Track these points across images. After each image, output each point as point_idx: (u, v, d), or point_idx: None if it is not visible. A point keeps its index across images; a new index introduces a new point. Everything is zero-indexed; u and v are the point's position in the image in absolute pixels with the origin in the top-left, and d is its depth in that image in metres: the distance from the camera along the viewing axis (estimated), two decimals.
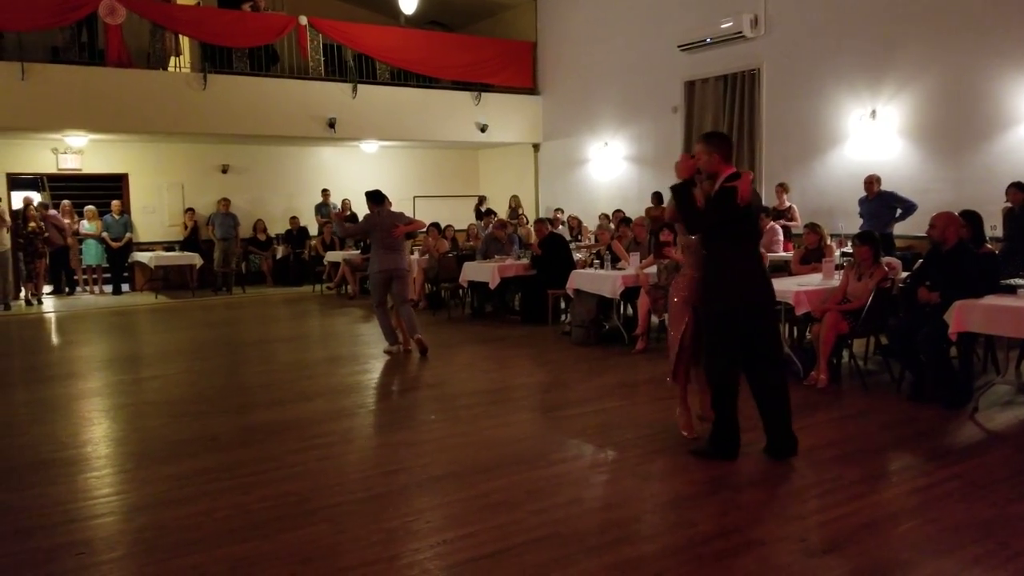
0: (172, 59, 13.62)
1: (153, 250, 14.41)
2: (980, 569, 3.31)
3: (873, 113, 10.49)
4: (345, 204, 15.26)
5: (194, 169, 15.45)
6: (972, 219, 6.38)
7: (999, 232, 8.48)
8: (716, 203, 4.45)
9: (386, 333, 8.33)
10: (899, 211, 9.43)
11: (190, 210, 15.03)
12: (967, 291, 5.59)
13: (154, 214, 15.16)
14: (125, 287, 14.67)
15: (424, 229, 11.35)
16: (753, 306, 4.54)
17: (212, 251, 14.59)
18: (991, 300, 5.51)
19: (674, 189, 4.60)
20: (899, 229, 9.49)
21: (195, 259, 14.03)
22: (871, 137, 10.51)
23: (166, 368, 8.23)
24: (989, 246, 7.11)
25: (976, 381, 6.06)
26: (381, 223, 8.16)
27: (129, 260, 14.54)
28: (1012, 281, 5.84)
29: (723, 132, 4.68)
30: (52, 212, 13.43)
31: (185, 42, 13.88)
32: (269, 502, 4.20)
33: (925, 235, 6.17)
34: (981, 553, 3.43)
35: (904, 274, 6.83)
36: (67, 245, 13.63)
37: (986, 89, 9.36)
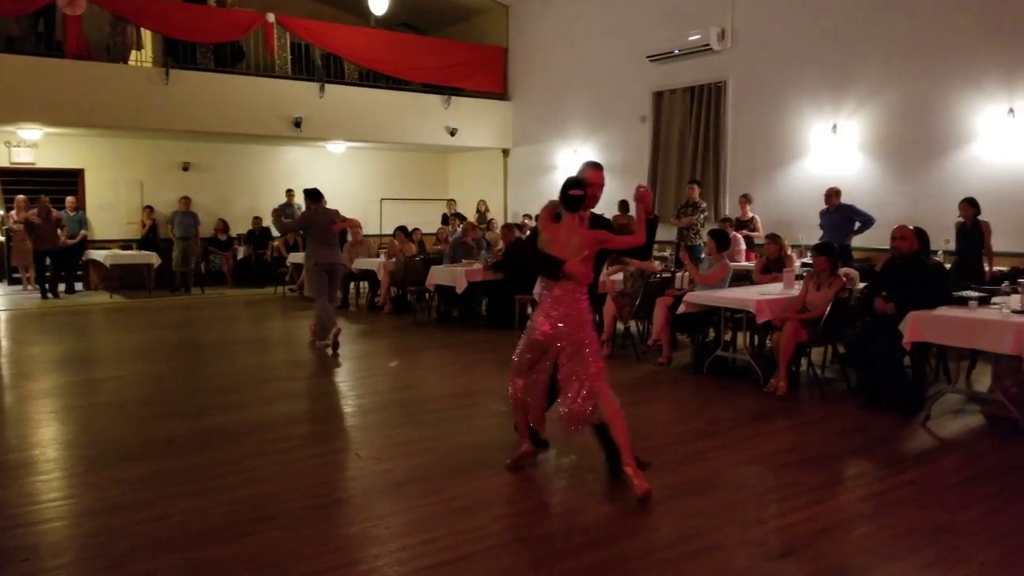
0: (133, 53, 13.36)
1: (109, 248, 14.12)
2: (931, 573, 3.39)
3: (834, 127, 10.69)
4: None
5: (154, 166, 15.19)
6: (920, 235, 6.53)
7: (952, 246, 8.68)
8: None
9: (328, 326, 8.46)
10: (857, 224, 9.61)
11: (148, 208, 14.78)
12: (921, 302, 5.73)
13: (111, 211, 14.85)
14: (79, 286, 14.36)
15: (359, 228, 11.89)
16: None
17: (171, 250, 14.34)
18: (944, 311, 5.66)
19: (652, 223, 4.59)
20: (857, 241, 9.68)
21: (152, 258, 13.75)
22: (832, 151, 10.71)
23: (120, 369, 8.07)
24: (937, 259, 7.28)
25: (928, 390, 6.20)
26: (318, 220, 8.47)
27: (84, 258, 14.23)
28: (963, 293, 5.98)
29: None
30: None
31: (147, 35, 13.66)
32: (225, 507, 4.13)
33: (888, 247, 6.29)
34: (933, 557, 3.51)
35: (861, 285, 6.96)
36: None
37: (942, 108, 9.60)
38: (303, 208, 14.80)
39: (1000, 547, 3.60)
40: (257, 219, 15.53)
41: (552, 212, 4.49)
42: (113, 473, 4.70)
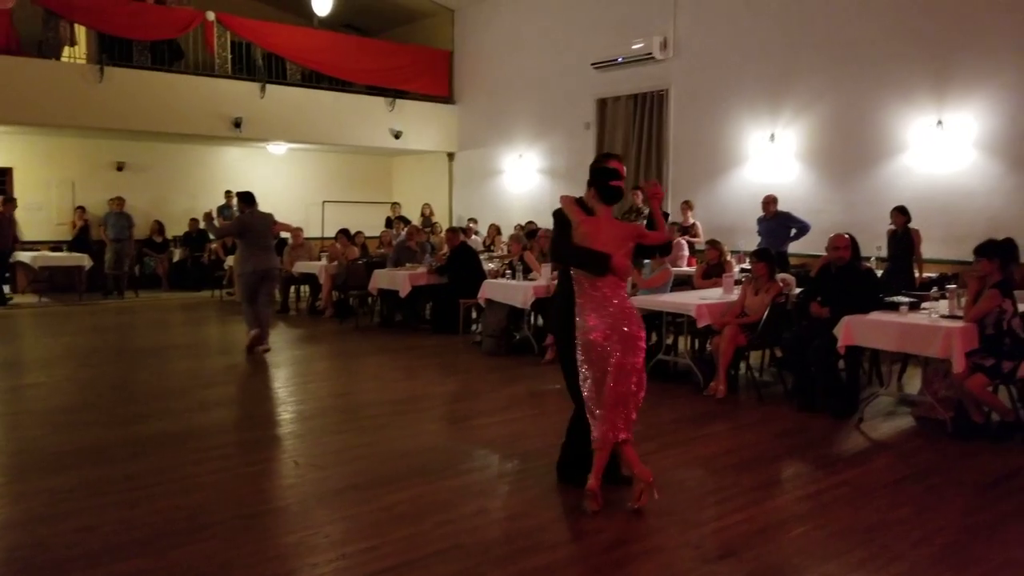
0: (66, 49, 12.97)
1: (38, 250, 13.64)
2: (864, 572, 3.47)
3: (772, 136, 10.92)
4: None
5: (87, 165, 14.75)
6: (852, 242, 6.69)
7: (884, 253, 8.94)
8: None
9: (253, 327, 8.46)
10: (794, 231, 9.82)
11: (80, 208, 14.33)
12: (855, 307, 5.89)
13: (41, 211, 14.36)
14: (5, 288, 13.80)
15: (300, 232, 12.12)
16: None
17: (103, 252, 13.91)
18: (876, 316, 5.83)
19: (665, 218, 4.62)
20: (793, 248, 9.89)
21: (83, 260, 13.29)
22: (770, 159, 10.95)
23: (48, 375, 7.79)
24: (869, 265, 7.48)
25: (862, 392, 6.36)
26: (254, 224, 8.44)
27: (11, 259, 13.70)
28: (895, 299, 6.16)
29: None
30: None
31: (81, 32, 13.26)
32: (158, 517, 4.02)
33: (830, 256, 6.43)
34: (865, 556, 3.59)
35: (798, 290, 7.11)
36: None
37: (875, 119, 9.89)
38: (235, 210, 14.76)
39: (929, 545, 3.70)
40: (194, 221, 15.15)
41: (573, 204, 4.27)
42: (40, 483, 4.54)
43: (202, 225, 14.80)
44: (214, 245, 14.68)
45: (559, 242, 4.28)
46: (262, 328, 8.44)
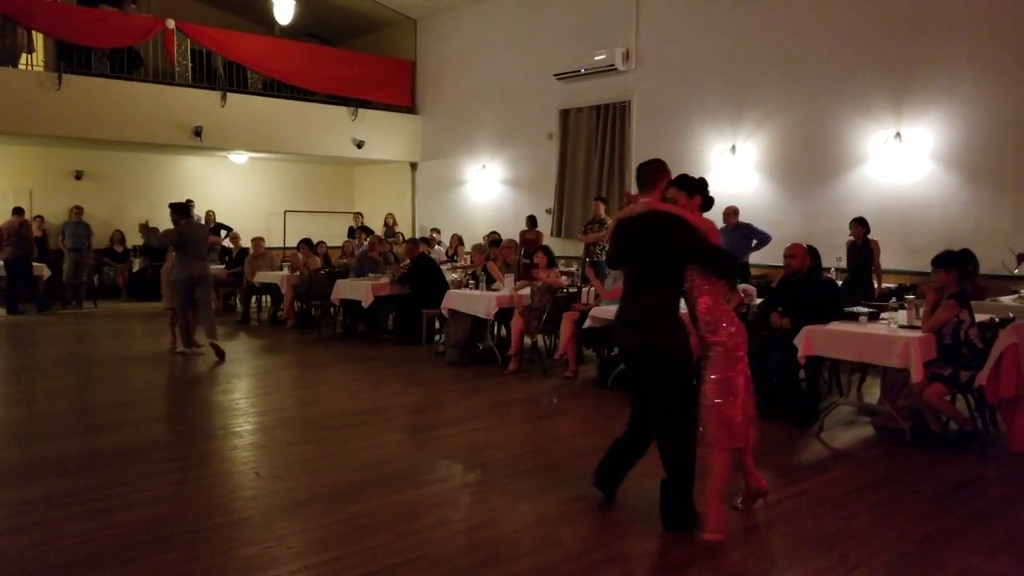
0: (24, 56, 12.73)
1: None
2: None
3: (733, 148, 11.08)
4: (209, 216, 14.70)
5: (44, 174, 14.48)
6: (812, 252, 6.81)
7: (843, 263, 9.10)
8: None
9: (186, 337, 8.96)
10: (755, 241, 9.95)
11: (38, 218, 13.99)
12: (815, 318, 5.98)
13: None
14: None
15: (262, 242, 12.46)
16: (619, 349, 4.22)
17: (62, 262, 13.64)
18: (836, 326, 5.92)
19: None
20: (754, 258, 10.03)
21: (42, 270, 13.06)
22: (731, 170, 11.09)
23: (4, 387, 7.62)
24: (829, 276, 7.60)
25: (822, 402, 6.46)
26: (192, 234, 8.88)
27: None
28: (854, 309, 6.26)
29: (652, 159, 4.24)
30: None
31: (39, 38, 13.02)
32: (118, 529, 3.95)
33: (783, 264, 6.53)
34: (825, 565, 3.64)
35: (758, 300, 7.20)
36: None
37: (834, 131, 10.08)
38: (202, 219, 14.61)
39: (888, 553, 3.76)
40: (153, 230, 14.89)
41: (690, 212, 4.11)
42: None
43: (140, 235, 14.65)
44: (174, 254, 14.39)
45: (716, 249, 4.07)
46: (208, 331, 8.82)
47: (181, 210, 8.95)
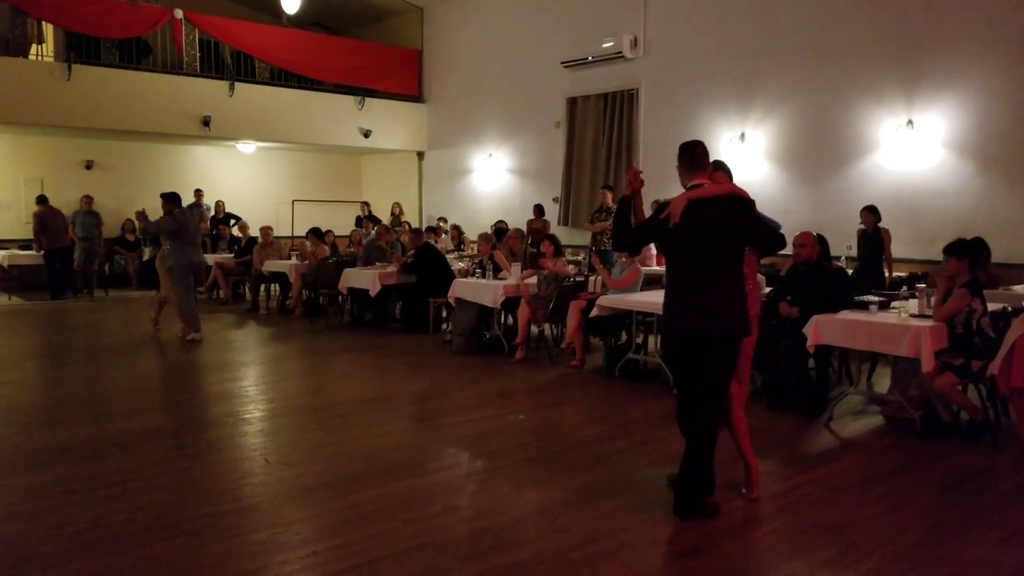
0: (34, 46, 12.77)
1: (7, 248, 13.42)
2: (832, 570, 3.49)
3: (742, 136, 11.01)
4: (218, 206, 14.74)
5: (55, 164, 14.54)
6: (821, 241, 6.77)
7: (854, 252, 9.04)
8: (644, 220, 4.25)
9: (193, 320, 9.12)
10: None
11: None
12: (824, 307, 5.94)
13: (10, 210, 14.15)
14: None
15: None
16: (681, 338, 4.12)
17: (72, 251, 13.69)
18: (845, 315, 5.87)
19: (618, 202, 4.38)
20: None
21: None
22: (739, 159, 10.99)
23: (16, 374, 7.65)
24: (839, 265, 7.56)
25: (831, 391, 6.42)
26: (187, 221, 9.08)
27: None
28: (864, 298, 6.22)
29: (696, 140, 4.22)
30: None
31: (48, 29, 13.05)
32: (127, 515, 3.97)
33: (791, 253, 6.49)
34: (833, 554, 3.62)
35: (767, 290, 7.16)
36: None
37: (845, 119, 10.00)
38: (211, 209, 14.66)
39: (896, 543, 3.74)
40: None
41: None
42: (7, 481, 4.48)
43: (138, 224, 14.67)
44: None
45: (778, 232, 4.28)
46: (190, 315, 9.14)
47: (173, 199, 9.07)
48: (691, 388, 4.04)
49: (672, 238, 4.05)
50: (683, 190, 4.11)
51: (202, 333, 9.15)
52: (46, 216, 12.74)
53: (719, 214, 4.00)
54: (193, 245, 9.11)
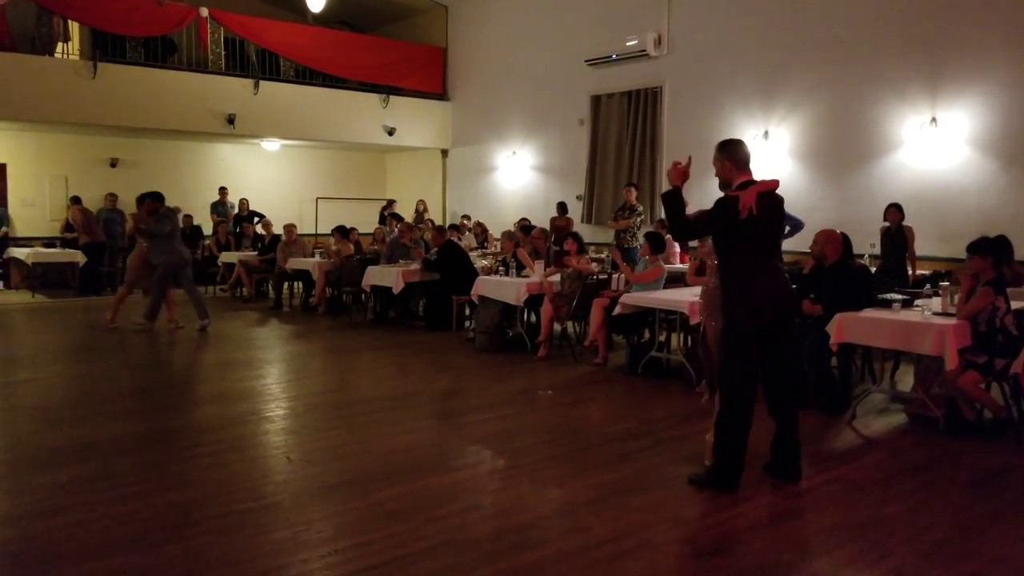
0: (60, 45, 12.93)
1: (31, 246, 13.60)
2: (854, 568, 3.48)
3: (766, 134, 10.93)
4: (243, 204, 14.87)
5: (80, 161, 14.70)
6: (843, 239, 6.71)
7: (877, 250, 8.95)
8: (711, 212, 4.35)
9: (155, 311, 9.61)
10: (787, 228, 9.78)
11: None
12: (847, 305, 5.90)
13: (34, 208, 14.34)
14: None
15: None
16: (762, 323, 4.30)
17: None
18: (869, 313, 5.83)
19: (663, 196, 4.44)
20: (787, 245, 9.81)
21: (76, 256, 13.27)
22: (763, 156, 10.91)
23: (41, 371, 7.76)
24: (862, 263, 7.48)
25: (854, 390, 6.38)
26: (175, 220, 9.71)
27: (4, 256, 13.66)
28: (888, 296, 6.17)
29: (737, 138, 4.52)
30: None
31: (74, 27, 13.21)
32: (150, 512, 4.02)
33: (809, 250, 6.46)
34: (856, 553, 3.60)
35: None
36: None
37: (869, 115, 9.90)
38: (235, 206, 14.80)
39: (919, 542, 3.71)
40: (188, 217, 15.09)
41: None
42: (32, 478, 4.53)
43: (197, 221, 14.84)
44: (208, 242, 14.61)
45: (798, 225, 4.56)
46: (200, 311, 9.67)
47: (159, 197, 9.48)
48: (773, 372, 4.38)
49: (744, 230, 4.26)
50: (718, 185, 4.44)
51: (155, 326, 9.60)
52: (88, 213, 13.17)
53: (777, 207, 4.47)
54: (178, 241, 9.67)
